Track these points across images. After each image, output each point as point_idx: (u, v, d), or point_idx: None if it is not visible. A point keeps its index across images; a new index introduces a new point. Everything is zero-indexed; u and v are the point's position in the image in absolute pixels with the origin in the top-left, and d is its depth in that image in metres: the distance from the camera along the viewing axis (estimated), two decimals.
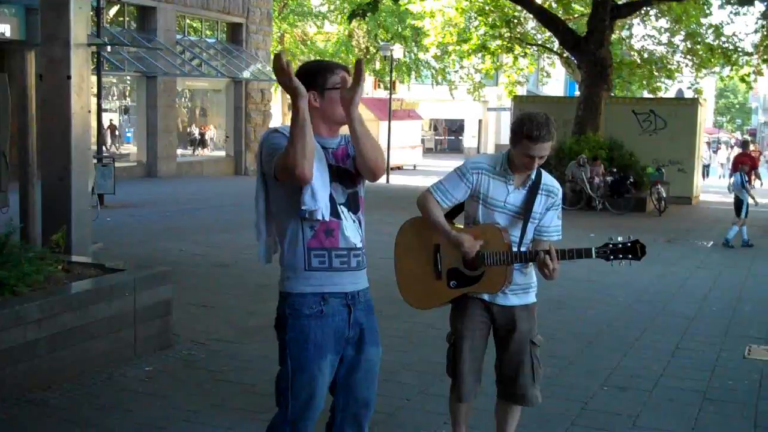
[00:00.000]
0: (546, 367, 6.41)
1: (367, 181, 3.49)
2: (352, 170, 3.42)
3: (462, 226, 4.21)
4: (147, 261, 9.31)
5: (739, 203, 14.87)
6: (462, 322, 4.16)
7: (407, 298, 4.30)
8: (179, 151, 26.24)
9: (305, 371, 3.32)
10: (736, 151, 48.09)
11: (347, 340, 3.42)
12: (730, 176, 22.21)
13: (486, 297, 4.11)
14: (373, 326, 3.52)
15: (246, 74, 28.35)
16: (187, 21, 27.66)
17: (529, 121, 3.90)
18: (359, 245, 3.42)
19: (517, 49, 28.89)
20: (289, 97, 3.22)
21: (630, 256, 3.95)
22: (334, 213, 3.34)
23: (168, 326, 6.64)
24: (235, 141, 29.03)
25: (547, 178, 4.14)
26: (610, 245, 3.97)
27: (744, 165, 15.94)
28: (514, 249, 4.00)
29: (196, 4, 26.46)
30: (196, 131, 29.74)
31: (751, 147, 30.87)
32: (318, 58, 39.54)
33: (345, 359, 3.44)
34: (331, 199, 3.33)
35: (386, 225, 4.45)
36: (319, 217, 3.28)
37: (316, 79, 3.34)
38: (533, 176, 4.07)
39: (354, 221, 3.42)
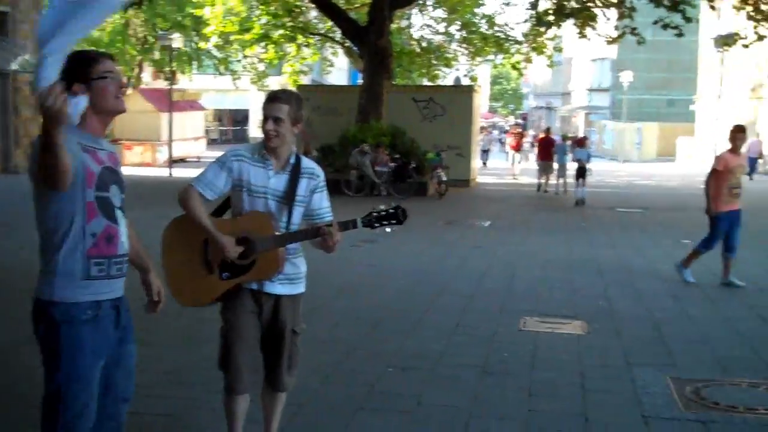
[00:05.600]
0: (331, 354, 6.50)
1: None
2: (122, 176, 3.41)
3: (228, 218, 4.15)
4: None
5: (583, 170, 20.33)
6: (233, 313, 4.09)
7: (179, 298, 4.16)
8: None
9: (81, 380, 3.21)
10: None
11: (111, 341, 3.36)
12: (537, 157, 24.82)
13: (254, 286, 4.07)
14: (131, 324, 3.49)
15: (14, 66, 26.51)
16: None
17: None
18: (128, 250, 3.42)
19: (300, 39, 29.01)
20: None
21: (393, 221, 4.06)
22: (113, 218, 3.27)
23: None
24: (1, 137, 27.06)
25: (307, 162, 4.17)
26: (374, 213, 4.06)
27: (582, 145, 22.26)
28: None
29: None
30: None
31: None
32: (92, 48, 37.74)
33: (106, 359, 3.36)
34: (109, 203, 3.26)
35: (168, 220, 4.25)
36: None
37: (82, 70, 3.21)
38: (292, 160, 4.08)
39: (126, 227, 3.38)
